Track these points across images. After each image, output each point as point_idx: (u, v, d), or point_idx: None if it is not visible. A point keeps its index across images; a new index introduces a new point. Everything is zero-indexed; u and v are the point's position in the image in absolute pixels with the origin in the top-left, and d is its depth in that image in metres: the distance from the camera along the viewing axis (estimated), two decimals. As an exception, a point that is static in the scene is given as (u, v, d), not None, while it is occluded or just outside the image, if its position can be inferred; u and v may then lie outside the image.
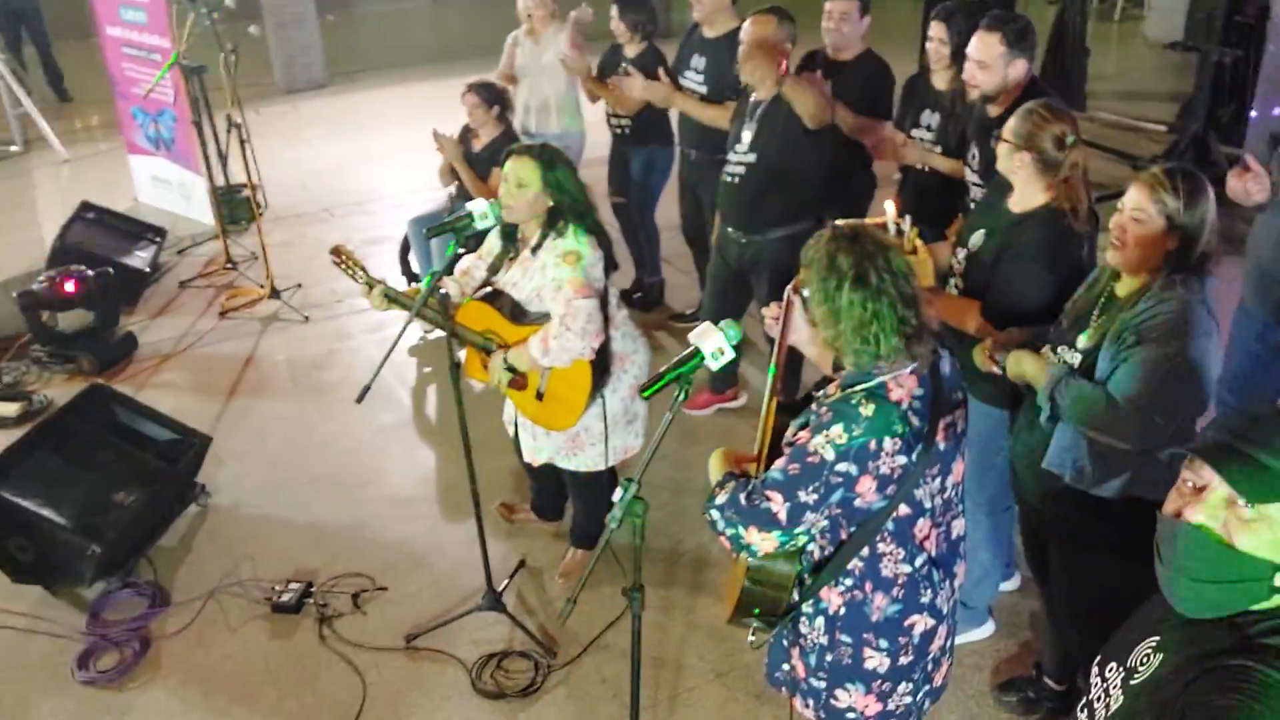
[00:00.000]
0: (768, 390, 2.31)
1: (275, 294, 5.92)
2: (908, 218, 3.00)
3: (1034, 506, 2.77)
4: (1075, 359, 2.49)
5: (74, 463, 3.80)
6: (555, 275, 3.11)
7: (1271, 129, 4.46)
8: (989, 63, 3.36)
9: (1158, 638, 1.45)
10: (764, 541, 1.97)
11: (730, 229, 4.14)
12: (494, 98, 5.08)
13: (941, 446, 2.00)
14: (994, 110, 3.43)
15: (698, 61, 4.74)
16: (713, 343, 2.03)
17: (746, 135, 3.93)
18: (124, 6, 6.81)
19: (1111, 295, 2.50)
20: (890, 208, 3.00)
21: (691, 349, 2.05)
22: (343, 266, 3.31)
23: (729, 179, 4.05)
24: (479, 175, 5.00)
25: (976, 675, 3.27)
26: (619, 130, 5.29)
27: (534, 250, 3.19)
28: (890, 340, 1.93)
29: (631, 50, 5.03)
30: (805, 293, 2.33)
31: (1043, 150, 2.72)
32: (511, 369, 3.23)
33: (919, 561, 2.06)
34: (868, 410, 1.91)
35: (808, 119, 3.78)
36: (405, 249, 5.74)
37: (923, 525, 2.05)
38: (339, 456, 4.57)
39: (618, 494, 2.07)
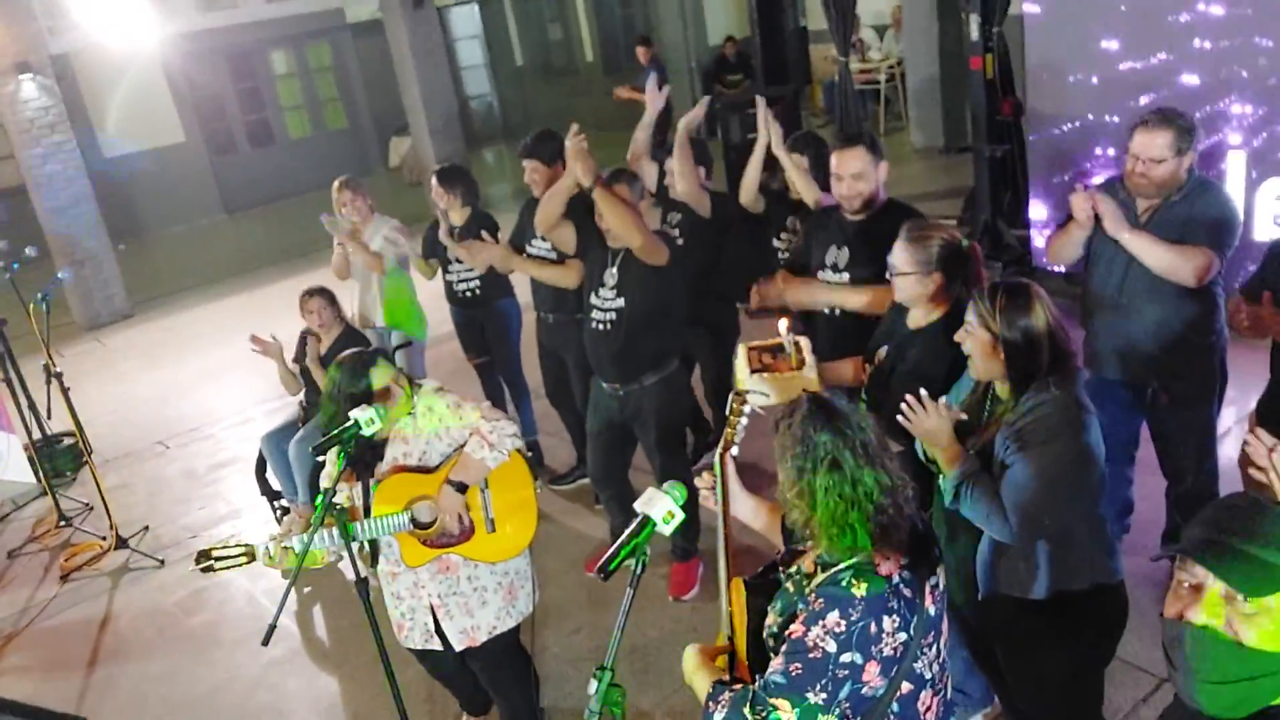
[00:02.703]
0: (724, 572, 2.24)
1: (122, 543, 5.46)
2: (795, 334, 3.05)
3: (970, 615, 2.80)
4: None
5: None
6: (456, 425, 3.13)
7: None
8: (865, 173, 3.52)
9: None
10: None
11: (605, 384, 4.11)
12: (333, 298, 5.05)
13: (932, 612, 1.94)
14: (861, 216, 3.58)
15: (542, 227, 4.83)
16: (661, 507, 1.98)
17: (610, 280, 3.95)
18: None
19: (995, 395, 2.64)
20: (784, 324, 3.06)
21: (641, 518, 1.99)
22: (219, 566, 3.08)
23: (598, 328, 4.01)
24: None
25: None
26: (467, 294, 5.29)
27: (411, 414, 3.17)
28: (865, 529, 1.87)
29: (457, 218, 5.09)
30: (736, 450, 2.34)
31: (944, 262, 2.88)
32: (462, 487, 3.10)
33: None
34: (860, 590, 1.83)
35: (641, 256, 3.82)
36: (261, 466, 5.45)
37: (925, 698, 1.96)
38: (232, 706, 4.17)
39: (592, 686, 1.96)
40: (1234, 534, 1.33)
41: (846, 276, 3.62)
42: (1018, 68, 6.93)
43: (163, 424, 7.35)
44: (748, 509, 2.39)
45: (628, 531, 1.99)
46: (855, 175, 3.53)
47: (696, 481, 2.35)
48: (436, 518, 3.14)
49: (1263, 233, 5.34)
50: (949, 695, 2.09)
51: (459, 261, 5.15)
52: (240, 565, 3.09)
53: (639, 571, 1.98)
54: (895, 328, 3.10)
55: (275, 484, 5.40)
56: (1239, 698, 1.33)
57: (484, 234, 4.80)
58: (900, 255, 2.94)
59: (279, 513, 5.48)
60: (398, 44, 12.12)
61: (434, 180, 5.13)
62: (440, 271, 5.40)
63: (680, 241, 4.80)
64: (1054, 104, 6.19)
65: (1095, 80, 5.91)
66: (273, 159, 15.60)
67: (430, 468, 3.13)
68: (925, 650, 1.93)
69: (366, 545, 3.17)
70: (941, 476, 2.59)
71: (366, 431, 2.95)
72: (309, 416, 5.03)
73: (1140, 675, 3.38)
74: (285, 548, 3.06)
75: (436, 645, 3.30)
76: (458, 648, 3.30)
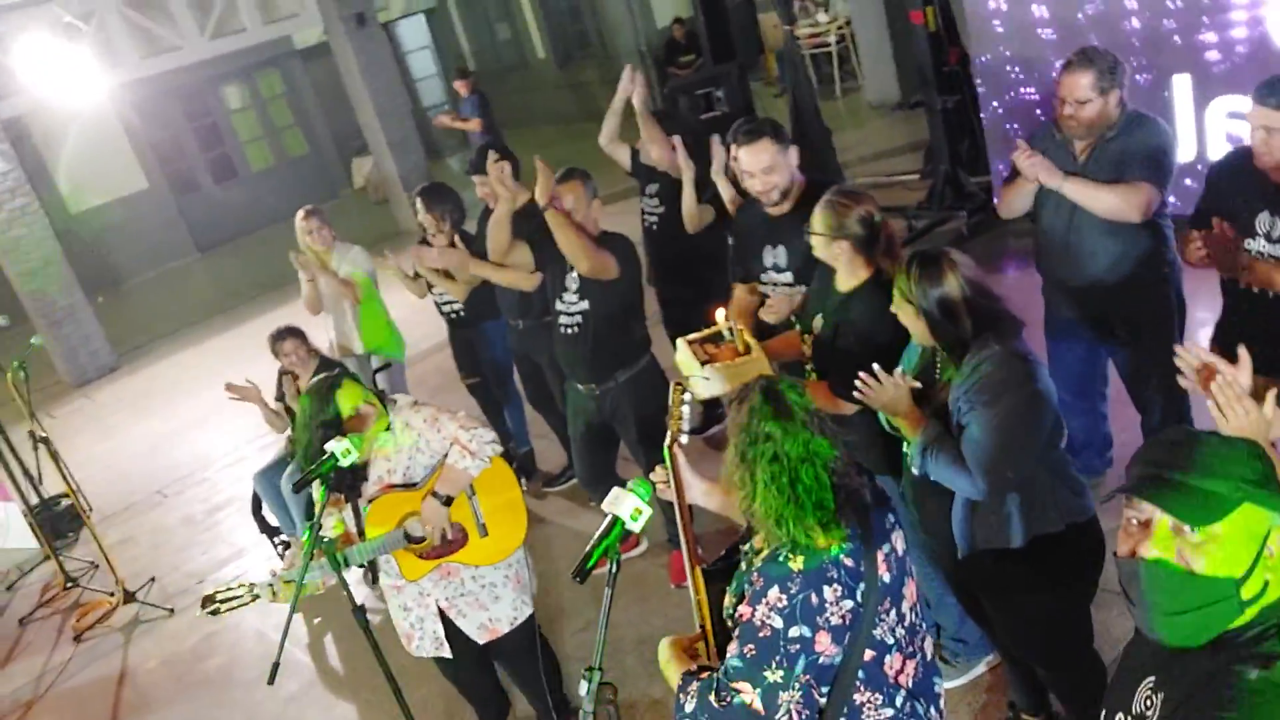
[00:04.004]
0: (686, 560, 2.28)
1: (130, 597, 5.50)
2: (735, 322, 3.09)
3: (953, 571, 2.87)
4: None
5: None
6: (435, 437, 3.17)
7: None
8: (775, 165, 3.45)
9: (1154, 676, 1.47)
10: None
11: (580, 385, 4.15)
12: (303, 335, 5.05)
13: (886, 579, 1.96)
14: (784, 209, 3.54)
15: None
16: (629, 505, 2.03)
17: (571, 285, 3.98)
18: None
19: (942, 358, 2.68)
20: (721, 314, 3.10)
21: (610, 518, 2.04)
22: (224, 608, 3.14)
23: (566, 331, 4.04)
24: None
25: (957, 731, 3.30)
26: (452, 315, 5.32)
27: (389, 431, 3.20)
28: (801, 523, 1.89)
29: (440, 240, 5.11)
30: (684, 439, 2.39)
31: (855, 235, 2.93)
32: (448, 500, 3.15)
33: (899, 701, 2.02)
34: (798, 564, 1.88)
35: (591, 276, 3.82)
36: (257, 505, 5.49)
37: (893, 661, 2.00)
38: (254, 745, 4.24)
39: (583, 687, 2.02)
40: (1174, 468, 1.38)
41: (790, 276, 3.56)
42: (960, 17, 6.96)
43: (158, 473, 7.38)
44: (701, 493, 2.43)
45: (598, 533, 2.04)
46: (766, 169, 3.43)
47: (651, 475, 2.36)
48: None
49: (1216, 152, 5.38)
50: (929, 656, 2.14)
51: (430, 287, 5.15)
52: (246, 605, 3.15)
53: (615, 571, 2.03)
54: (825, 296, 3.14)
55: (273, 520, 5.45)
56: (1196, 626, 1.38)
57: (456, 240, 4.82)
58: (816, 215, 3.01)
59: (280, 548, 5.53)
60: (346, 64, 12.09)
61: (419, 202, 5.04)
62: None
63: (662, 209, 4.95)
64: (996, 48, 6.22)
65: (1034, 17, 5.93)
66: (238, 193, 15.55)
67: (416, 483, 3.18)
68: (884, 616, 1.96)
69: (366, 564, 3.24)
70: (906, 444, 2.65)
71: (344, 462, 2.99)
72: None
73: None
74: (287, 582, 3.12)
75: (446, 653, 3.35)
76: (480, 641, 3.35)
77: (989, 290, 2.57)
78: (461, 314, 5.29)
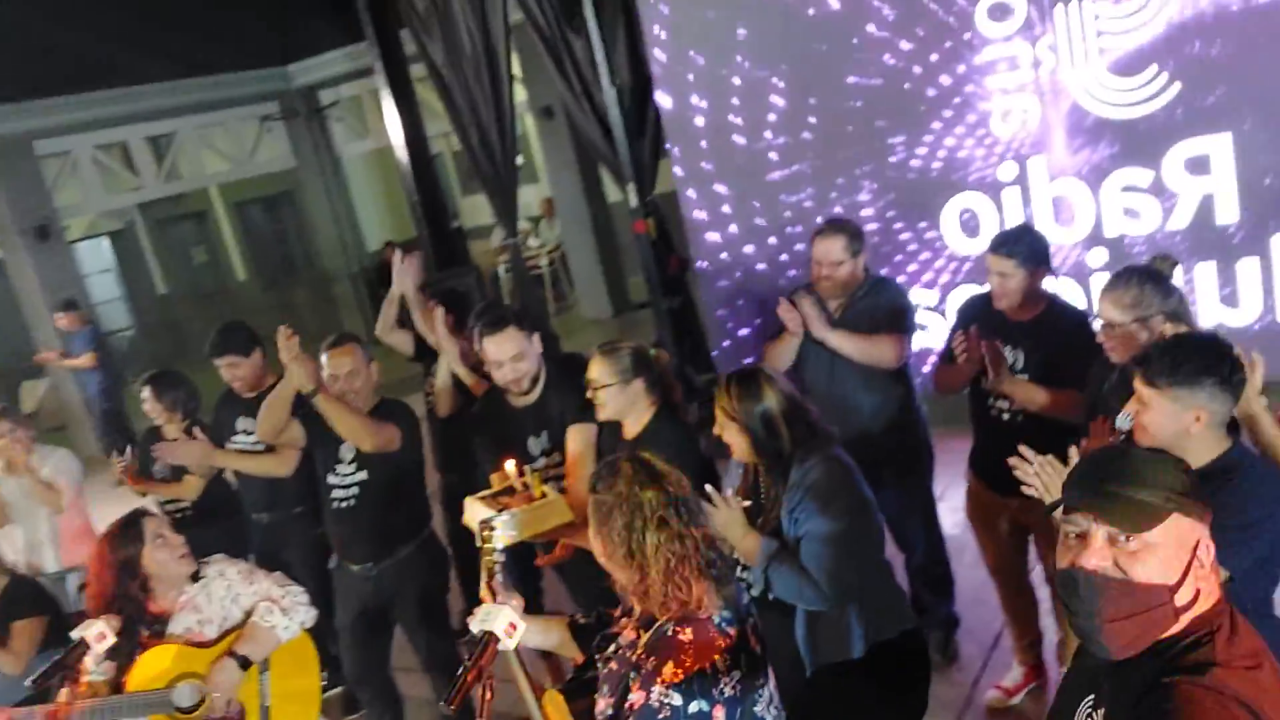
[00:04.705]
0: (528, 695, 2.10)
1: None
2: (529, 469, 3.04)
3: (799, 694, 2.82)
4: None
5: None
6: (246, 590, 2.90)
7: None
8: (523, 352, 3.45)
9: (1092, 695, 1.52)
10: None
11: (354, 565, 3.79)
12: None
13: (758, 650, 1.97)
14: (534, 396, 3.54)
15: (244, 423, 4.49)
16: (503, 620, 1.86)
17: (347, 455, 3.71)
18: None
19: (762, 475, 2.77)
20: (511, 465, 3.02)
21: (482, 637, 1.85)
22: None
23: (340, 506, 3.74)
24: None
25: None
26: (178, 515, 4.72)
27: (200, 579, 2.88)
28: (698, 582, 1.88)
29: (172, 431, 4.61)
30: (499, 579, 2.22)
31: (641, 371, 3.04)
32: (245, 663, 2.71)
33: None
34: (687, 635, 1.84)
35: (376, 450, 3.63)
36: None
37: None
38: None
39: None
40: (1108, 479, 1.47)
41: (559, 456, 3.53)
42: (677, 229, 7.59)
43: None
44: (535, 633, 2.28)
45: (471, 655, 1.83)
46: (515, 357, 3.43)
47: (470, 621, 2.21)
48: (203, 700, 2.70)
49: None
50: None
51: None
52: None
53: (488, 697, 1.81)
54: (613, 448, 3.16)
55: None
56: (1135, 633, 1.44)
57: (195, 431, 4.38)
58: (598, 370, 3.05)
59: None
60: (23, 281, 11.13)
61: (146, 390, 4.62)
62: None
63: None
64: (713, 255, 6.77)
65: (742, 231, 6.53)
66: None
67: (208, 641, 2.72)
68: (761, 691, 1.94)
69: None
70: (747, 571, 2.64)
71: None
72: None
73: None
74: None
75: None
76: None
77: (802, 403, 2.70)
78: (188, 513, 4.75)
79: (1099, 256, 5.20)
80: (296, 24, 13.54)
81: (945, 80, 5.42)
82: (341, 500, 3.75)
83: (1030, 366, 3.28)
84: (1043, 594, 3.70)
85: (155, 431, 4.70)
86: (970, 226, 5.57)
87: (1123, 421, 2.25)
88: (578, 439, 3.37)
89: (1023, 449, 2.26)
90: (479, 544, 2.28)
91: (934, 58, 5.41)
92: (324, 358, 3.74)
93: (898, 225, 5.83)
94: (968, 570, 4.25)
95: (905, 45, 5.48)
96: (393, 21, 8.43)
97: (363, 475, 3.71)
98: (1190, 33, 4.70)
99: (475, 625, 1.89)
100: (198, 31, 13.15)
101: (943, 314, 5.67)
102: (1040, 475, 2.19)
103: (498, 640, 1.86)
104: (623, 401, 3.06)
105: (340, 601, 3.93)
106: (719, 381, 2.74)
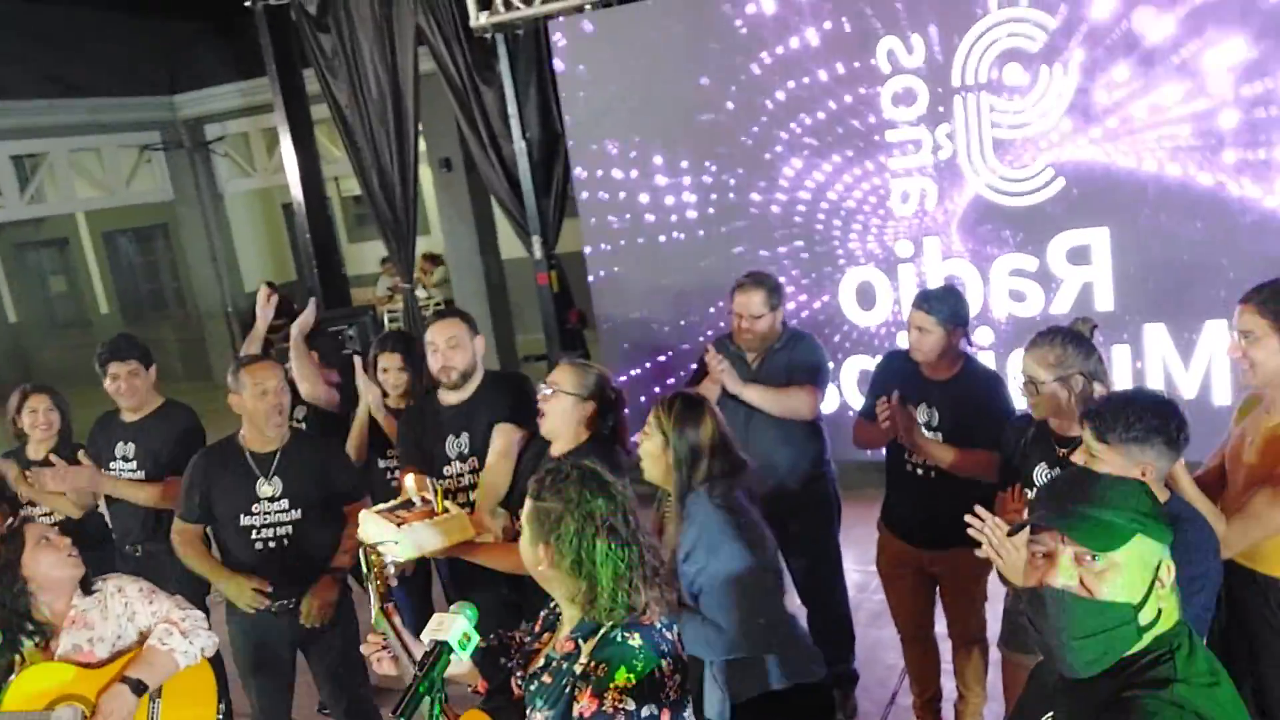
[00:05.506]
0: None
1: None
2: (429, 483, 2.96)
3: None
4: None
5: None
6: (145, 610, 2.72)
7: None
8: (460, 342, 3.63)
9: (1052, 712, 1.55)
10: None
11: (274, 606, 3.49)
12: None
13: (685, 658, 1.99)
14: (464, 395, 3.62)
15: (125, 449, 4.23)
16: (457, 629, 1.79)
17: (269, 490, 3.49)
18: None
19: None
20: (410, 481, 2.94)
21: (432, 647, 1.77)
22: None
23: (267, 546, 3.48)
24: None
25: None
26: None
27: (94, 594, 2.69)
28: (642, 589, 1.89)
29: (38, 452, 4.27)
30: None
31: (600, 395, 3.02)
32: (140, 688, 2.50)
33: None
34: (635, 640, 1.84)
35: None
36: None
37: None
38: None
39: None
40: (1075, 500, 1.52)
41: (476, 461, 3.56)
42: (578, 283, 7.63)
43: None
44: None
45: (420, 666, 1.75)
46: (450, 341, 3.60)
47: (363, 648, 2.16)
48: None
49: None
50: None
51: (31, 504, 4.24)
52: None
53: (436, 713, 1.73)
54: (538, 463, 3.13)
55: None
56: (1099, 650, 1.47)
57: (80, 456, 4.10)
58: (565, 377, 3.03)
59: None
60: None
61: (40, 400, 4.32)
62: None
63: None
64: (614, 308, 6.80)
65: (640, 290, 6.59)
66: None
67: (97, 662, 2.50)
68: (687, 700, 1.95)
69: None
70: None
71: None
72: None
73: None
74: None
75: None
76: None
77: (732, 448, 2.72)
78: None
79: (985, 336, 5.46)
80: (187, 55, 13.18)
81: (856, 172, 5.66)
82: (268, 541, 3.48)
83: (944, 424, 3.40)
84: (945, 649, 3.77)
85: (17, 454, 4.36)
86: (867, 299, 5.77)
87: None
88: (502, 437, 3.42)
89: (978, 509, 2.32)
90: (365, 568, 2.24)
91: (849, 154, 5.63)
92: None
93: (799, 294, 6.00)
94: (863, 629, 4.32)
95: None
96: (296, 59, 8.28)
97: (296, 514, 3.48)
98: (1074, 131, 5.06)
99: (427, 634, 1.81)
100: (79, 52, 12.66)
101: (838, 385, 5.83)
102: (991, 535, 2.25)
103: (451, 649, 1.78)
104: (572, 417, 3.00)
105: (242, 645, 3.60)
106: (662, 399, 2.74)
